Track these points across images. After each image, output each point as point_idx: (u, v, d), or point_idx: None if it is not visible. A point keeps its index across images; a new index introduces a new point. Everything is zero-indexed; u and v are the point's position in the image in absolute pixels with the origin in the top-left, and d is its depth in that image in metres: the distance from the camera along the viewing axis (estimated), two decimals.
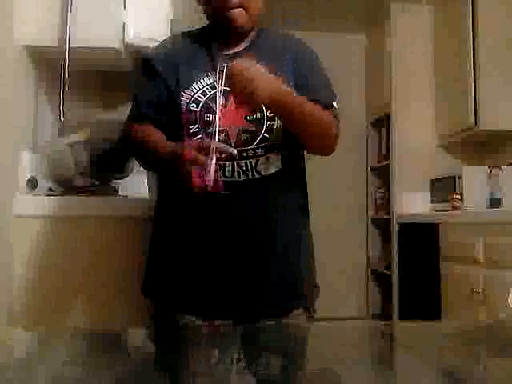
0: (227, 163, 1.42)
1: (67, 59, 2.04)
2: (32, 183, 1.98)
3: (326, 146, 1.55)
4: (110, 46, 2.08)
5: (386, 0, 4.31)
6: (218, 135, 1.41)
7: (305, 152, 1.62)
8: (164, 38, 1.76)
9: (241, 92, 1.33)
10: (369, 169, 4.90)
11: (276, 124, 1.45)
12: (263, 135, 1.44)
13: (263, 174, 1.45)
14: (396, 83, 4.23)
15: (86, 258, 1.87)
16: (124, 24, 2.13)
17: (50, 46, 2.05)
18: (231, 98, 1.41)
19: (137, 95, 1.57)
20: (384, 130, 4.64)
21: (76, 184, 2.03)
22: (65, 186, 2.02)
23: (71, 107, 2.13)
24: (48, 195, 1.97)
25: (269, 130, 1.45)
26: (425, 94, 4.18)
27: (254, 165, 1.44)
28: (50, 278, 1.86)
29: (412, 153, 4.13)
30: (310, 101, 1.44)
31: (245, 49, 1.53)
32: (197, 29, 1.63)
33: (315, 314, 1.55)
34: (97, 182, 2.06)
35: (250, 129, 1.44)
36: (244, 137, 1.44)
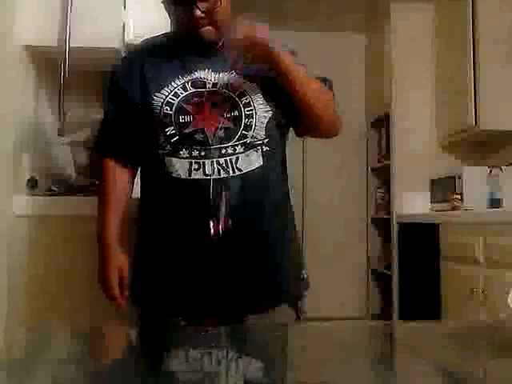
0: (206, 161, 1.43)
1: (67, 59, 2.04)
2: (32, 183, 1.98)
3: (330, 121, 1.55)
4: (109, 46, 2.08)
5: (386, 0, 4.31)
6: (195, 135, 1.44)
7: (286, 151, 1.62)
8: None
9: (251, 41, 1.39)
10: (369, 169, 4.90)
11: (254, 121, 1.46)
12: (242, 132, 1.45)
13: (244, 170, 1.45)
14: (396, 83, 4.23)
15: (86, 257, 1.87)
16: (124, 24, 2.13)
17: (50, 46, 2.05)
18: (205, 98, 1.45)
19: (106, 116, 1.59)
20: (384, 130, 4.64)
21: (76, 184, 2.03)
22: (65, 186, 2.03)
23: (71, 107, 2.13)
24: (48, 195, 1.97)
25: (247, 128, 1.46)
26: (425, 94, 4.17)
27: (234, 162, 1.44)
28: (50, 277, 1.86)
29: (412, 153, 4.12)
30: None
31: (216, 49, 1.52)
32: (165, 33, 1.64)
33: (303, 314, 1.55)
34: (97, 182, 2.06)
35: (228, 126, 1.45)
36: (221, 134, 1.44)
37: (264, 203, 1.49)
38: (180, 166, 1.44)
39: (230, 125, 1.45)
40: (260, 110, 1.47)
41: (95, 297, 1.85)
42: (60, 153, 2.03)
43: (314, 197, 4.72)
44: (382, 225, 4.68)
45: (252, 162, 1.46)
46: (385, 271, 4.41)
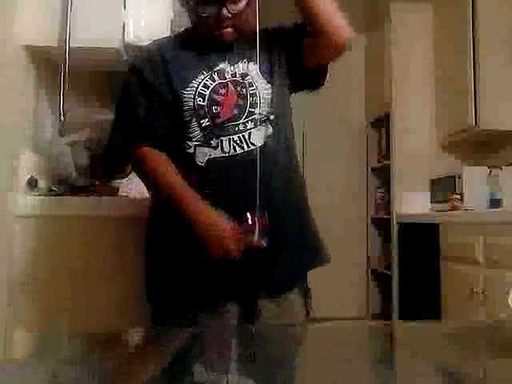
0: (224, 139, 1.48)
1: (67, 59, 2.04)
2: (32, 183, 1.98)
3: (339, 29, 1.64)
4: (110, 46, 2.08)
5: (386, 0, 4.30)
6: (225, 124, 1.48)
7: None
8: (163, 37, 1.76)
9: None
10: (369, 169, 4.90)
11: (258, 98, 1.51)
12: (249, 109, 1.50)
13: (257, 144, 1.49)
14: (396, 83, 4.23)
15: (86, 257, 1.87)
16: (124, 24, 2.13)
17: (50, 46, 2.05)
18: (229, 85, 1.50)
19: (133, 111, 1.54)
20: (384, 130, 4.64)
21: (76, 184, 2.04)
22: (65, 186, 2.03)
23: (71, 107, 2.13)
24: (48, 195, 1.97)
25: (253, 105, 1.51)
26: (425, 94, 4.17)
27: (247, 137, 1.49)
28: (50, 277, 1.86)
29: (412, 153, 4.12)
30: None
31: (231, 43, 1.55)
32: (185, 29, 1.65)
33: (312, 312, 1.59)
34: (97, 182, 2.06)
35: (240, 103, 1.50)
36: (235, 111, 1.49)
37: (277, 176, 1.53)
38: (213, 155, 1.48)
39: (241, 101, 1.50)
40: (261, 88, 1.52)
41: (96, 297, 1.85)
42: (60, 153, 2.03)
43: (314, 197, 4.69)
44: (382, 225, 4.68)
45: (263, 136, 1.51)
46: (385, 271, 4.41)
